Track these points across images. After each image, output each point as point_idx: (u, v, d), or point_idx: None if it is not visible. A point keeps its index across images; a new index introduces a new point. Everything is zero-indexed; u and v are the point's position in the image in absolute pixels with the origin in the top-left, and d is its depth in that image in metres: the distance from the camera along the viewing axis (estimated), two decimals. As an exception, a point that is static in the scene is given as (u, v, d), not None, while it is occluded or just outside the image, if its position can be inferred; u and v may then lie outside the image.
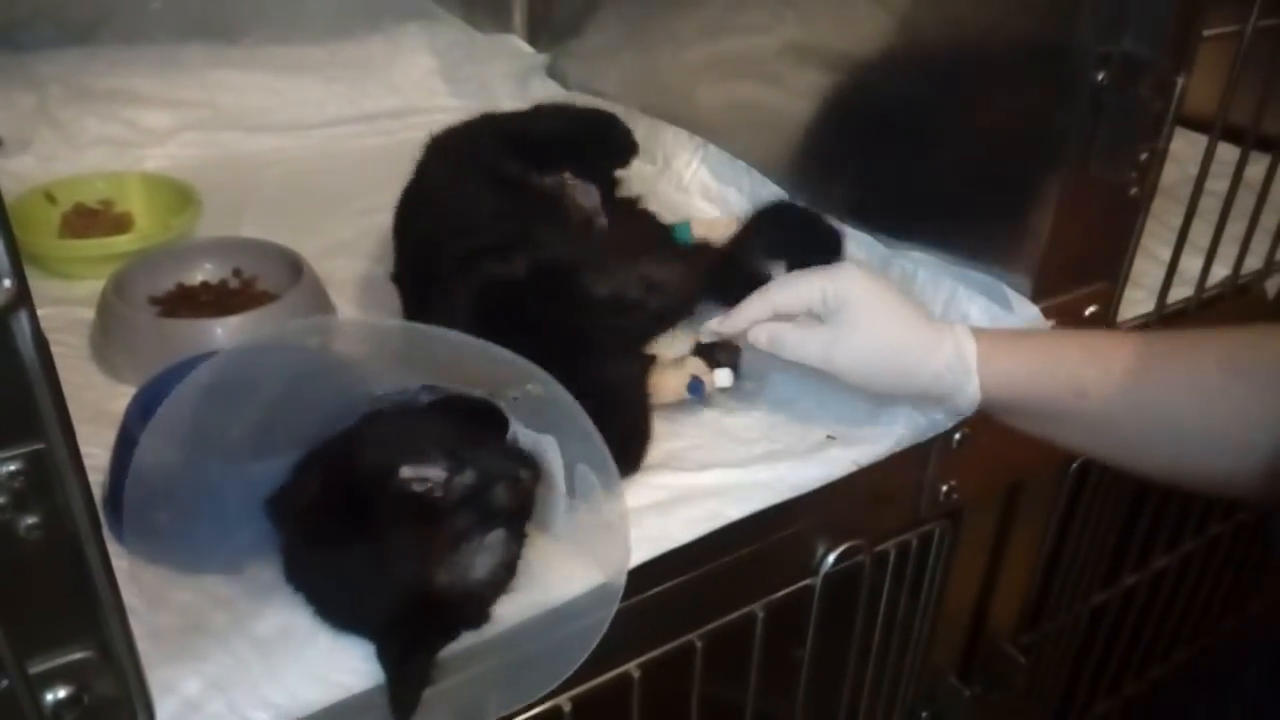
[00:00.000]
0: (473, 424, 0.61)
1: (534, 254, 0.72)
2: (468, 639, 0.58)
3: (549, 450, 0.61)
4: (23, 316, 0.39)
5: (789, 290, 0.69)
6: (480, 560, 0.57)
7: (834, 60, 0.94)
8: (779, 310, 0.69)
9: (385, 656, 0.55)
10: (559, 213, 0.82)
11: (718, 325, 0.73)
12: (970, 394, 0.66)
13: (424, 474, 0.56)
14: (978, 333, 0.67)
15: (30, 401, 0.40)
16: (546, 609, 0.60)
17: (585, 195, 0.85)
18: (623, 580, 0.59)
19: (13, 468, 0.41)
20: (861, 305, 0.66)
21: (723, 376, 0.76)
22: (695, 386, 0.74)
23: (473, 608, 0.58)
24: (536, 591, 0.60)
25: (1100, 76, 0.72)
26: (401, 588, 0.55)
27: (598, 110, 0.93)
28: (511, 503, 0.58)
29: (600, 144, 0.90)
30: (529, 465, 0.59)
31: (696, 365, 0.75)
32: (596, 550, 0.62)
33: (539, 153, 0.85)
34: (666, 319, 0.78)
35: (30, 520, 0.42)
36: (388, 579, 0.55)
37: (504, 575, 0.58)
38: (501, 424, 0.62)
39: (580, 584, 0.61)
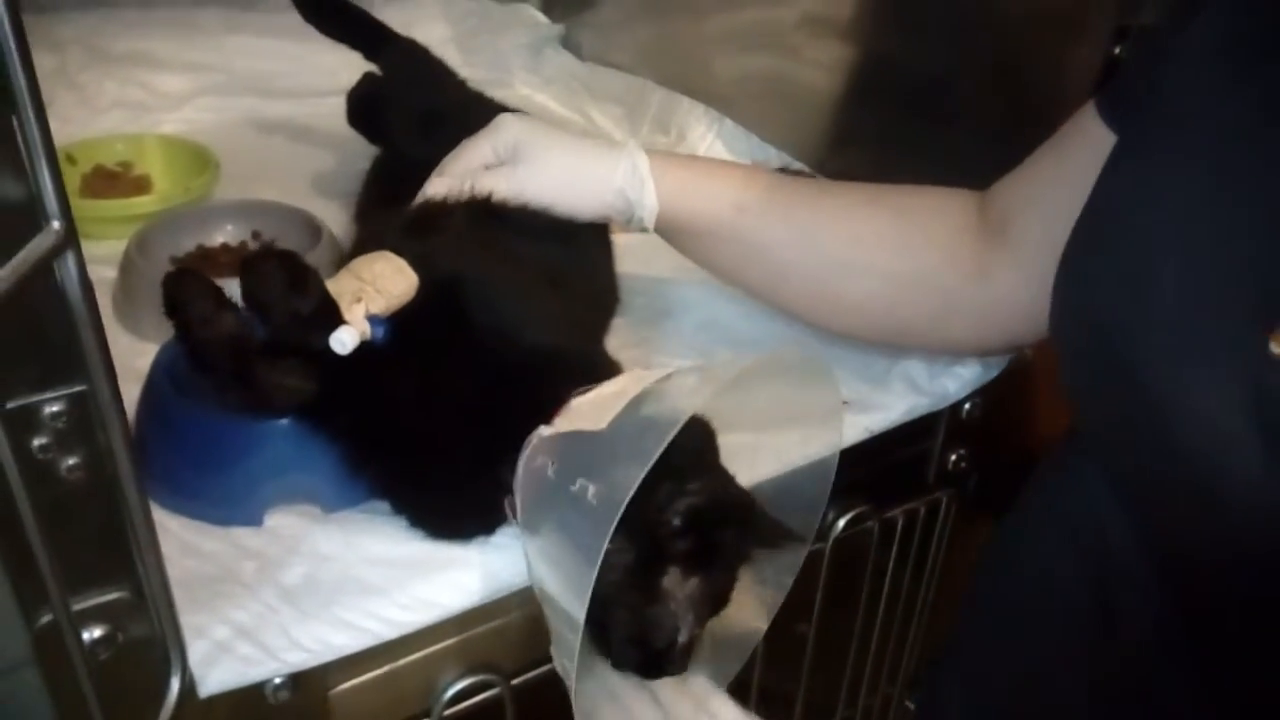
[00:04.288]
0: None
1: None
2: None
3: None
4: (69, 259, 0.39)
5: (464, 157, 0.74)
6: None
7: (852, 32, 0.95)
8: (466, 173, 0.73)
9: None
10: None
11: (427, 191, 0.74)
12: (649, 205, 0.71)
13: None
14: (651, 153, 0.73)
15: (75, 343, 0.41)
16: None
17: None
18: None
19: (56, 408, 0.42)
20: (532, 143, 0.72)
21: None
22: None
23: None
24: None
25: (1118, 50, 0.73)
26: None
27: None
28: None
29: None
30: None
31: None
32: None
33: None
34: None
35: (71, 461, 0.43)
36: None
37: None
38: None
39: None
